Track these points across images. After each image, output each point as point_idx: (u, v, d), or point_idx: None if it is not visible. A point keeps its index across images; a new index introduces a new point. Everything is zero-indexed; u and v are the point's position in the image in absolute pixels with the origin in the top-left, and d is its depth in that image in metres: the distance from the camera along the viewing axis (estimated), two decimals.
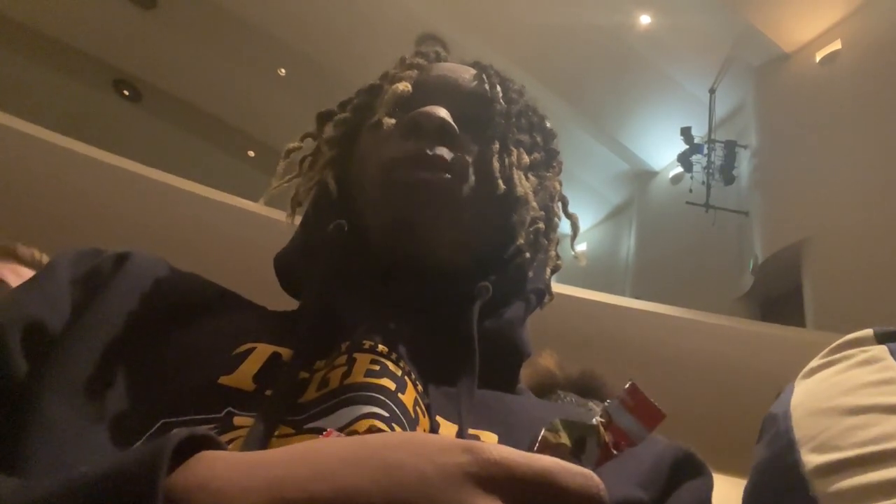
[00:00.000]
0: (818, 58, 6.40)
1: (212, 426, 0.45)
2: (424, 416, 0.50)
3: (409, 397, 0.49)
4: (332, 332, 0.53)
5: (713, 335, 4.82)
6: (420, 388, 0.52)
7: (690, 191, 6.92)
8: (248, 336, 0.53)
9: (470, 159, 0.60)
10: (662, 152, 8.22)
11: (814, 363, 0.53)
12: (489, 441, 0.50)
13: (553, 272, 0.68)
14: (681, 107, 7.55)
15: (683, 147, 7.10)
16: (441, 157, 0.58)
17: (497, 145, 0.62)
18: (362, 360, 0.50)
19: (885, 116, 5.42)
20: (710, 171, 6.99)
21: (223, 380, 0.49)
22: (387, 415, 0.46)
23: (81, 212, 4.48)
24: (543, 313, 0.67)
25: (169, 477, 0.30)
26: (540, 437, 0.41)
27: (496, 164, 0.61)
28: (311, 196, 0.66)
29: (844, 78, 6.02)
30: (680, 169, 7.37)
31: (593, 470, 0.33)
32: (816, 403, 0.48)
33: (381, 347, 0.51)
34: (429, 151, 0.58)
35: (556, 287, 0.68)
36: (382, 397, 0.47)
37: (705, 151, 7.08)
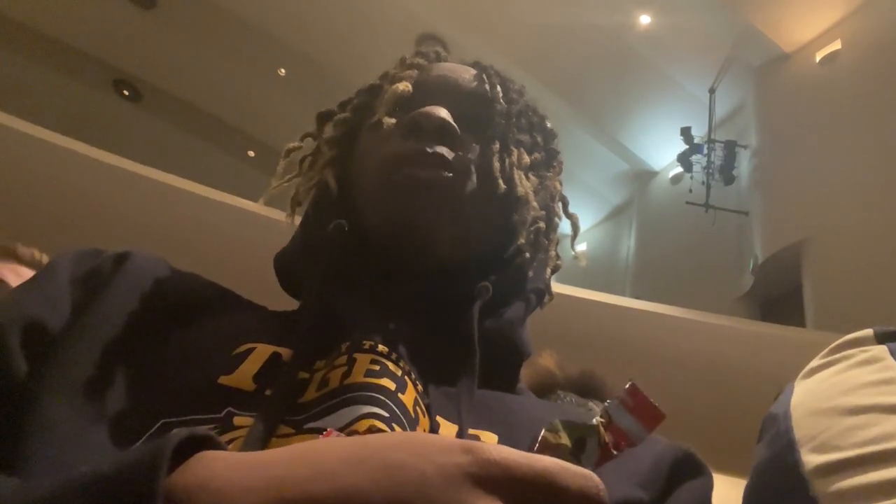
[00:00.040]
0: (818, 58, 6.40)
1: (212, 426, 0.45)
2: (424, 416, 0.50)
3: (409, 397, 0.49)
4: (332, 332, 0.53)
5: (713, 335, 4.82)
6: (420, 388, 0.52)
7: (690, 191, 6.92)
8: (248, 336, 0.53)
9: (471, 158, 0.60)
10: (662, 152, 8.22)
11: (814, 363, 0.53)
12: (489, 441, 0.50)
13: (553, 272, 0.68)
14: (681, 107, 7.55)
15: (683, 147, 7.10)
16: (441, 156, 0.58)
17: (497, 145, 0.62)
18: (362, 360, 0.50)
19: (885, 116, 5.42)
20: (710, 171, 6.99)
21: (223, 380, 0.49)
22: (387, 415, 0.46)
23: (81, 212, 4.48)
24: (543, 313, 0.67)
25: (169, 477, 0.30)
26: (540, 438, 0.41)
27: (496, 164, 0.61)
28: (311, 196, 0.66)
29: (844, 78, 6.02)
30: (680, 169, 7.37)
31: (593, 470, 0.33)
32: (816, 403, 0.48)
33: (381, 347, 0.51)
34: (428, 149, 0.58)
35: (556, 287, 0.68)
36: (382, 397, 0.47)
37: (705, 151, 7.08)
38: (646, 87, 7.68)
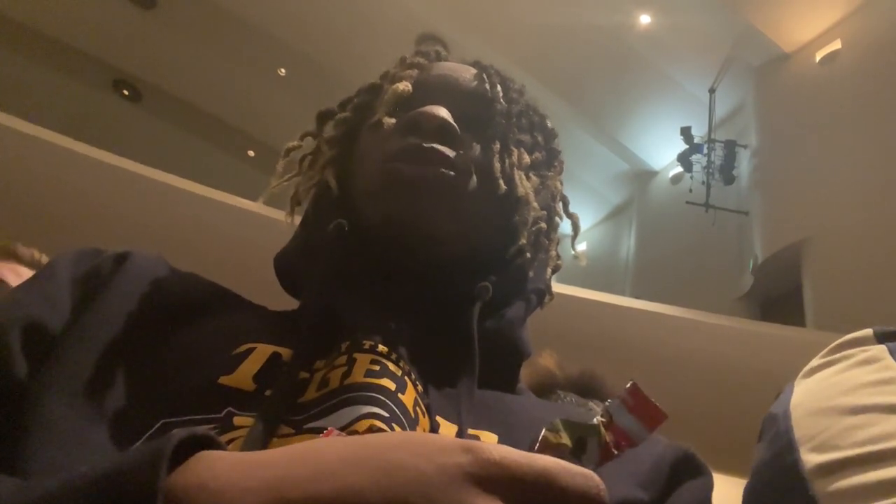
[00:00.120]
0: (818, 58, 6.40)
1: (212, 426, 0.45)
2: (424, 416, 0.50)
3: (408, 397, 0.49)
4: (332, 332, 0.52)
5: (713, 335, 4.82)
6: (420, 388, 0.52)
7: (690, 191, 6.91)
8: (248, 336, 0.53)
9: (471, 158, 0.60)
10: (662, 152, 8.22)
11: (813, 363, 0.53)
12: (489, 441, 0.50)
13: (554, 272, 0.67)
14: (681, 107, 7.55)
15: (683, 147, 7.10)
16: (437, 151, 0.58)
17: (498, 145, 0.62)
18: (362, 360, 0.50)
19: (885, 116, 5.42)
20: (710, 170, 6.99)
21: (223, 380, 0.49)
22: (387, 415, 0.46)
23: (81, 212, 4.48)
24: (543, 313, 0.67)
25: (169, 477, 0.30)
26: (540, 437, 0.41)
27: (497, 164, 0.61)
28: (311, 195, 0.66)
29: (844, 78, 6.02)
30: (680, 169, 7.37)
31: (594, 470, 0.33)
32: (816, 403, 0.48)
33: (381, 347, 0.51)
34: (424, 144, 0.58)
35: (556, 287, 0.68)
36: (382, 397, 0.47)
37: (705, 151, 7.08)
38: (646, 87, 7.68)
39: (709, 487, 0.55)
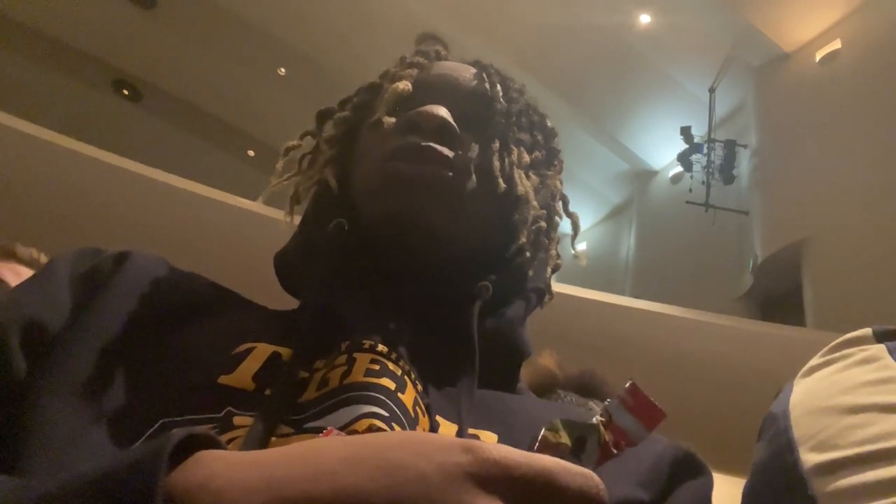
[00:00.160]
0: (818, 57, 6.40)
1: (211, 426, 0.45)
2: (424, 416, 0.50)
3: (408, 397, 0.49)
4: (332, 332, 0.52)
5: (713, 335, 4.82)
6: (420, 387, 0.52)
7: (690, 190, 6.92)
8: (248, 336, 0.53)
9: (471, 157, 0.60)
10: (662, 152, 8.23)
11: (813, 362, 0.53)
12: (489, 441, 0.50)
13: (554, 271, 0.67)
14: (681, 106, 7.55)
15: (683, 146, 7.11)
16: (437, 151, 0.58)
17: (497, 144, 0.62)
18: (362, 359, 0.50)
19: (885, 116, 5.42)
20: (710, 170, 6.99)
21: (223, 379, 0.49)
22: (386, 414, 0.46)
23: (81, 212, 4.48)
24: (543, 313, 0.67)
25: (168, 476, 0.30)
26: (540, 437, 0.41)
27: (496, 164, 0.61)
28: (310, 195, 0.66)
29: (844, 78, 6.03)
30: (680, 168, 7.38)
31: (593, 469, 0.33)
32: (815, 402, 0.48)
33: (380, 347, 0.51)
34: (422, 143, 0.58)
35: (556, 287, 0.68)
36: (382, 397, 0.47)
37: (705, 151, 7.09)
38: (646, 87, 7.68)
39: (709, 487, 0.55)
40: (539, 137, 0.68)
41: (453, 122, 0.60)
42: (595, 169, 8.52)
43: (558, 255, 0.69)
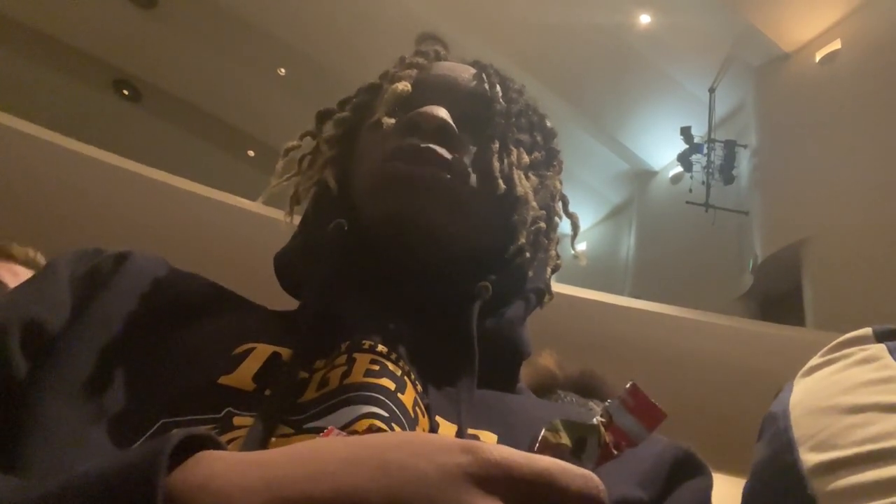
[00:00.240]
0: (818, 57, 6.40)
1: (211, 426, 0.45)
2: (424, 416, 0.50)
3: (408, 397, 0.49)
4: (332, 332, 0.52)
5: (713, 335, 4.82)
6: (419, 387, 0.52)
7: (690, 190, 6.91)
8: (248, 336, 0.53)
9: (469, 159, 0.60)
10: (662, 152, 8.22)
11: (813, 362, 0.53)
12: (489, 441, 0.50)
13: (553, 271, 0.67)
14: (681, 106, 7.55)
15: (683, 147, 7.10)
16: (436, 153, 0.58)
17: (497, 145, 0.62)
18: (362, 360, 0.50)
19: (885, 116, 5.42)
20: (710, 170, 6.99)
21: (223, 380, 0.49)
22: (386, 415, 0.46)
23: (81, 212, 4.48)
24: (543, 313, 0.67)
25: (168, 477, 0.30)
26: (540, 437, 0.41)
27: (496, 164, 0.61)
28: (310, 195, 0.66)
29: (844, 78, 6.02)
30: (680, 168, 7.37)
31: (593, 470, 0.33)
32: (815, 402, 0.48)
33: (380, 347, 0.51)
34: (422, 144, 0.58)
35: (556, 287, 0.68)
36: (382, 397, 0.47)
37: (705, 151, 7.08)
38: (646, 87, 7.68)
39: (708, 487, 0.55)
40: (539, 138, 0.68)
41: (453, 123, 0.60)
42: (595, 169, 8.51)
43: (558, 256, 0.69)
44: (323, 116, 0.68)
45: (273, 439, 0.44)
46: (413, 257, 0.58)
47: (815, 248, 5.59)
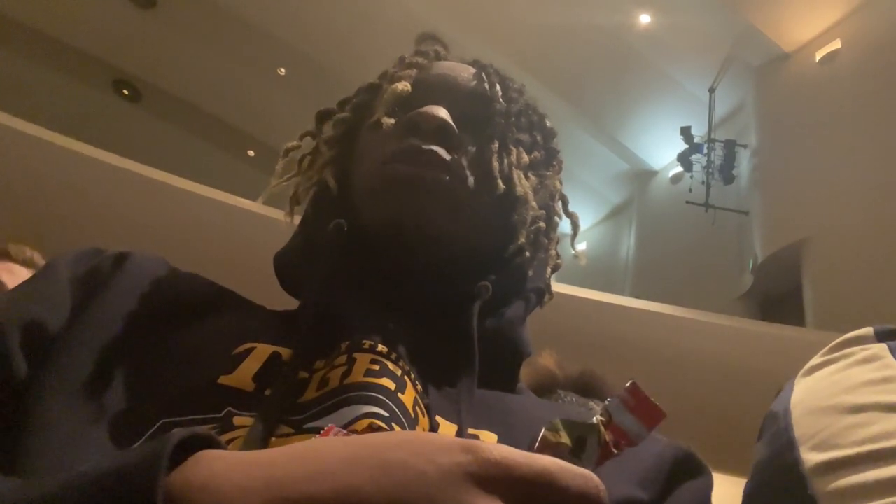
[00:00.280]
0: (818, 57, 6.40)
1: (211, 426, 0.45)
2: (424, 416, 0.50)
3: (408, 397, 0.49)
4: (332, 332, 0.52)
5: (713, 335, 4.82)
6: (420, 387, 0.52)
7: (690, 190, 6.91)
8: (248, 336, 0.53)
9: (468, 160, 0.60)
10: (662, 152, 8.22)
11: (814, 361, 0.53)
12: (489, 441, 0.50)
13: (553, 271, 0.67)
14: (680, 106, 7.55)
15: (683, 146, 7.10)
16: (437, 154, 0.58)
17: (496, 144, 0.62)
18: (362, 359, 0.50)
19: (885, 116, 5.42)
20: (710, 170, 6.99)
21: (223, 380, 0.49)
22: (386, 414, 0.46)
23: (81, 212, 4.48)
24: (543, 313, 0.67)
25: (168, 476, 0.30)
26: (540, 437, 0.41)
27: (495, 164, 0.61)
28: (310, 195, 0.66)
29: (844, 78, 6.02)
30: (680, 168, 7.37)
31: (593, 469, 0.33)
32: (816, 402, 0.48)
33: (380, 347, 0.51)
34: (424, 146, 0.58)
35: (556, 287, 0.68)
36: (382, 397, 0.47)
37: (705, 151, 7.08)
38: (646, 87, 7.68)
39: (708, 487, 0.55)
40: (538, 137, 0.68)
41: (453, 124, 0.60)
42: (595, 169, 8.51)
43: (558, 255, 0.69)
44: (323, 116, 0.68)
45: (273, 439, 0.44)
46: (413, 257, 0.58)
47: (815, 248, 5.59)
